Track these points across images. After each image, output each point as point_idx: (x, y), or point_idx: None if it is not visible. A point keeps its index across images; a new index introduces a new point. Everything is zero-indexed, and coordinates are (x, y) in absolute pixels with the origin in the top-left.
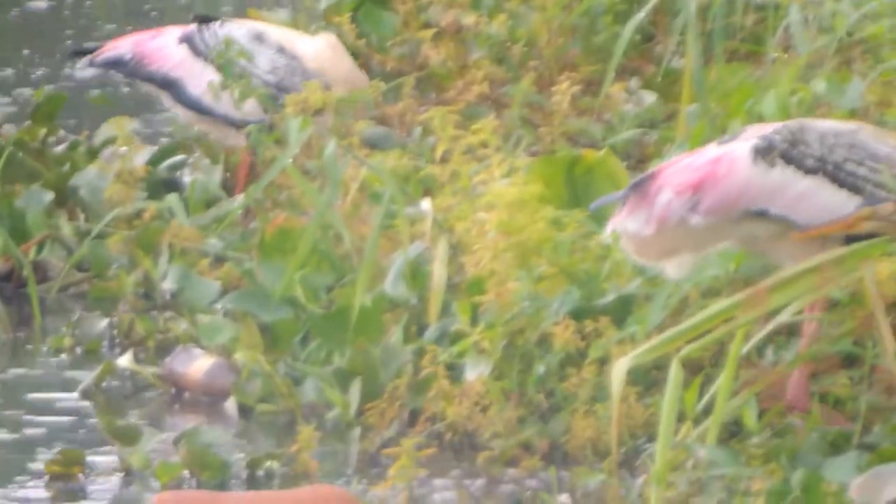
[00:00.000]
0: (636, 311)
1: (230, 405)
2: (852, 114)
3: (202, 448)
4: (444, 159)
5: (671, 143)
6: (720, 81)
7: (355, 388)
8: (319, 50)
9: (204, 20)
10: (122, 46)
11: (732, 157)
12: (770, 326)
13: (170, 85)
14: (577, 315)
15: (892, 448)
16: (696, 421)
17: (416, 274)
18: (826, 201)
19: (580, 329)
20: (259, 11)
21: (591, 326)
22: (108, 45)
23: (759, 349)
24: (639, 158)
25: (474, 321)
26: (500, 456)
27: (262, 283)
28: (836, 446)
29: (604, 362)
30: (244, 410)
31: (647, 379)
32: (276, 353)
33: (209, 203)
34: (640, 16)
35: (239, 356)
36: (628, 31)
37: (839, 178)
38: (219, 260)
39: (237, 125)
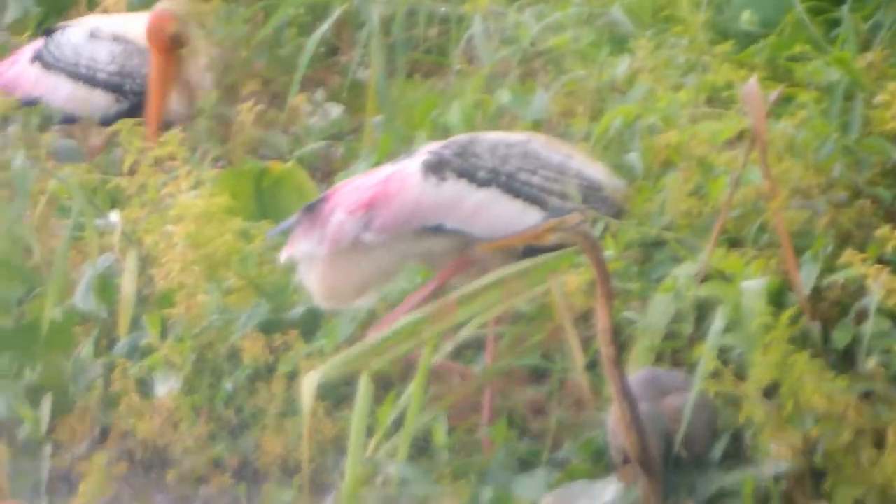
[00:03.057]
0: (325, 324)
1: None
2: (537, 124)
3: None
4: (132, 171)
5: (357, 155)
6: (405, 93)
7: (46, 404)
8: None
9: (50, 31)
10: None
11: (403, 174)
12: (456, 340)
13: (35, 105)
14: (267, 328)
15: (582, 465)
16: (389, 436)
17: (106, 287)
18: (502, 212)
19: (269, 343)
20: None
21: (281, 340)
22: None
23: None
24: (326, 171)
25: (164, 334)
26: (190, 473)
27: None
28: (526, 463)
29: (293, 377)
30: None
31: (336, 393)
32: None
33: None
34: (324, 28)
35: None
36: (312, 43)
37: (513, 188)
38: None
39: (108, 122)
